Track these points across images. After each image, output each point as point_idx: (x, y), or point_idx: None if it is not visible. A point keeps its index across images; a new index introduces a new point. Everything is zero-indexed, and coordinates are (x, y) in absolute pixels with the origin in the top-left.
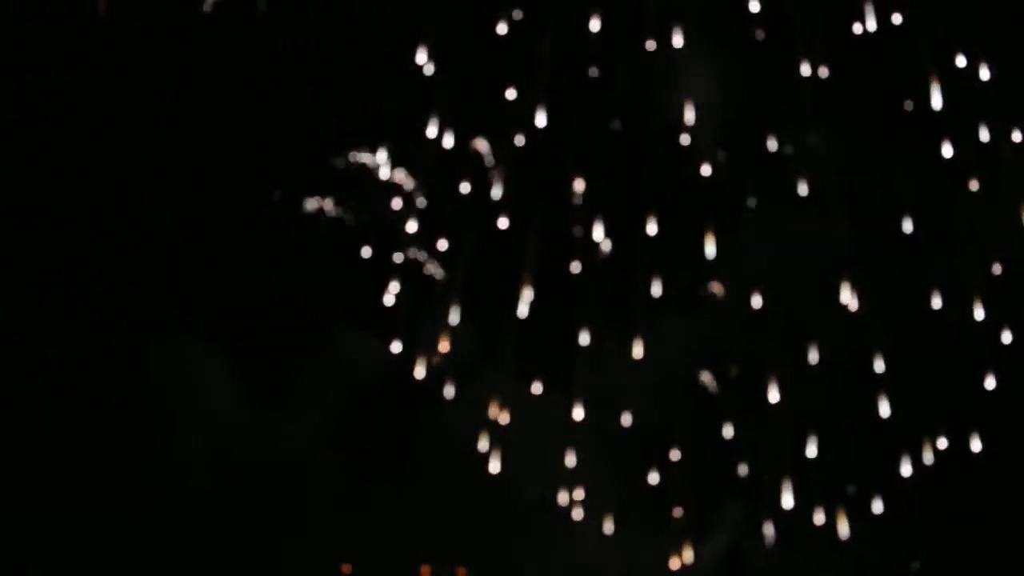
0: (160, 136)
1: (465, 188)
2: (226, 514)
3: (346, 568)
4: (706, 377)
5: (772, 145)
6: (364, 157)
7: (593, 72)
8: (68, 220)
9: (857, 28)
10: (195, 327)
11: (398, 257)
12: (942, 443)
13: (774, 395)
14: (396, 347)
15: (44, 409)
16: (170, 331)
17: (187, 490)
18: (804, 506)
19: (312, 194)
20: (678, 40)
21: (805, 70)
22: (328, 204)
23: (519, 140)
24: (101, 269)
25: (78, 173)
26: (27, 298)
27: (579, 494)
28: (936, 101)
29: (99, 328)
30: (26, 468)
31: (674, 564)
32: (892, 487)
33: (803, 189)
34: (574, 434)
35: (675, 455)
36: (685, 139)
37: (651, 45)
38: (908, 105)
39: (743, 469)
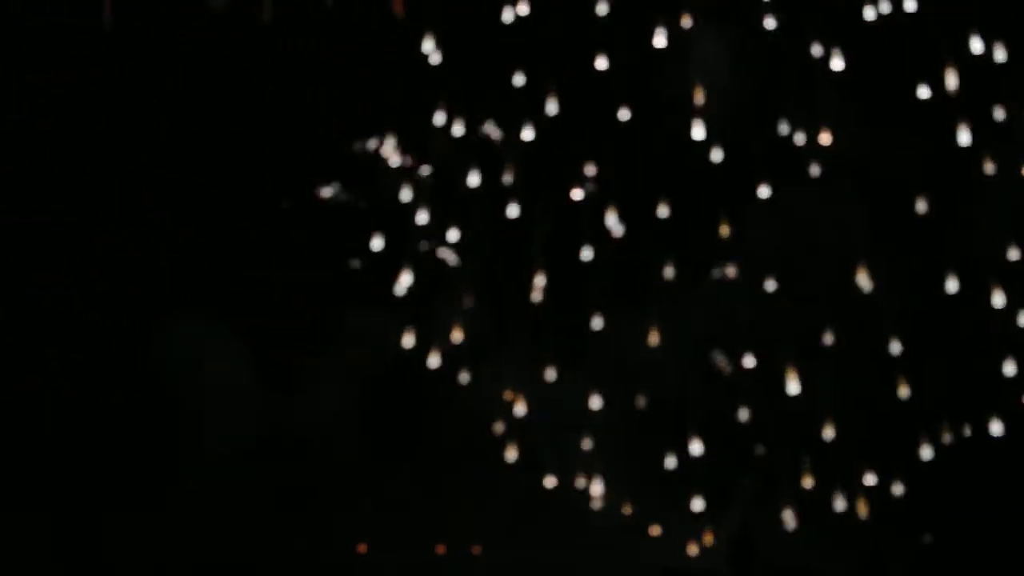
0: (163, 134)
1: (475, 176)
2: (241, 495)
3: (362, 547)
4: (720, 360)
5: (783, 129)
6: (372, 146)
7: (602, 60)
8: (68, 219)
9: (869, 14)
10: (208, 315)
11: (409, 247)
12: (958, 428)
13: (793, 387)
14: (409, 341)
15: (46, 408)
16: (181, 319)
17: (202, 472)
18: (821, 489)
19: (322, 183)
20: (687, 22)
21: (816, 51)
22: (336, 191)
23: (529, 128)
24: (102, 267)
25: (80, 173)
26: (27, 298)
27: (596, 478)
28: (951, 84)
29: (105, 320)
30: (38, 469)
31: (692, 550)
32: (911, 470)
33: (815, 171)
34: (590, 419)
35: (691, 438)
36: (696, 123)
37: (660, 41)
38: (923, 89)
39: (759, 452)
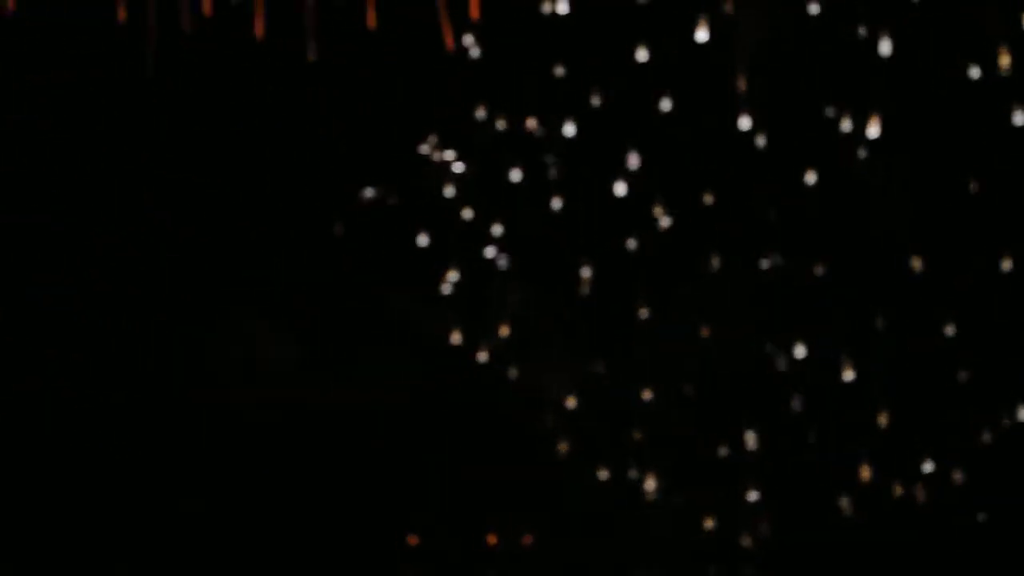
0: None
1: (517, 170)
2: (291, 488)
3: (412, 539)
4: (771, 350)
5: (830, 112)
6: (414, 144)
7: (642, 51)
8: (68, 219)
9: None
10: (255, 307)
11: (454, 244)
12: (1013, 413)
13: (848, 374)
14: (456, 338)
15: (46, 408)
16: (235, 314)
17: (252, 465)
18: (878, 476)
19: (366, 184)
20: (729, 8)
21: (863, 33)
22: (377, 193)
23: (571, 122)
24: (102, 267)
25: (80, 173)
26: (27, 298)
27: (649, 470)
28: (1004, 64)
29: (105, 320)
30: (38, 469)
31: (746, 541)
32: (971, 455)
33: (862, 154)
34: (642, 410)
35: (745, 429)
36: (741, 111)
37: (702, 36)
38: (974, 70)
39: (812, 441)
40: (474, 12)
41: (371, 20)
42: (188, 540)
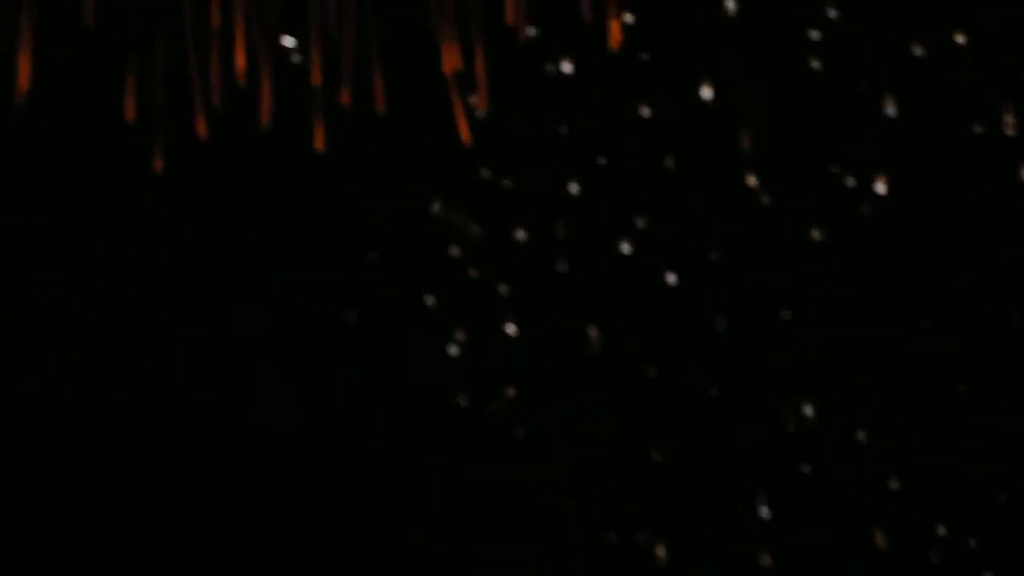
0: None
1: (522, 231)
2: (290, 488)
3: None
4: (785, 413)
5: (833, 170)
6: (420, 204)
7: (645, 109)
8: (68, 219)
9: (918, 50)
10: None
11: (460, 304)
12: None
13: (860, 435)
14: (463, 401)
15: (46, 408)
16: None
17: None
18: (891, 540)
19: (373, 245)
20: (731, 67)
21: (864, 90)
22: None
23: (576, 181)
24: (102, 267)
25: (80, 173)
26: (27, 298)
27: (659, 535)
28: (1008, 123)
29: (105, 320)
30: (38, 469)
31: None
32: (983, 517)
33: (867, 211)
34: (648, 474)
35: (758, 494)
36: (747, 168)
37: (707, 92)
38: (977, 128)
39: (831, 509)
40: (481, 103)
41: (380, 104)
42: (188, 540)
